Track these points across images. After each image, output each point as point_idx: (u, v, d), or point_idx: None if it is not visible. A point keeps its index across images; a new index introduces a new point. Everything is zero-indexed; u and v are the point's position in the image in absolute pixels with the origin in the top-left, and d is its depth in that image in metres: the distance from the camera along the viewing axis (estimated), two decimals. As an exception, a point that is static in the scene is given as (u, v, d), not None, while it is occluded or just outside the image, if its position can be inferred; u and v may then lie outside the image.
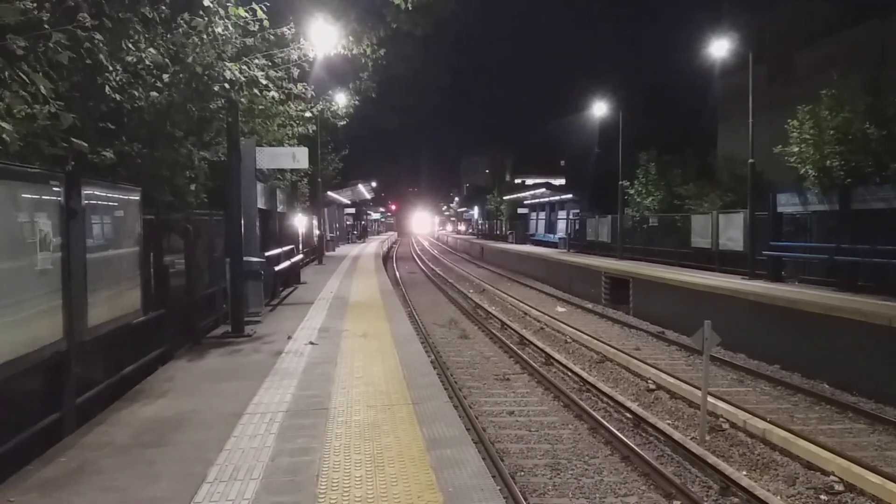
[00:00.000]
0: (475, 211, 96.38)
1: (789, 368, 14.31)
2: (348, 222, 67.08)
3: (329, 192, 40.69)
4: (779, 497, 7.95)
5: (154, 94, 8.61)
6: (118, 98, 8.03)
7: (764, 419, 10.34)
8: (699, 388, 10.78)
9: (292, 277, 20.26)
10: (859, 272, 16.75)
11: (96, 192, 7.31)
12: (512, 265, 42.88)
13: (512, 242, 57.53)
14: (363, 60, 12.28)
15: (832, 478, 8.45)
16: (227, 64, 9.25)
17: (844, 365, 13.03)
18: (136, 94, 8.41)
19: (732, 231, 22.76)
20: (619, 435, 9.80)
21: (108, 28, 7.18)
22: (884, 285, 15.79)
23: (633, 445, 9.37)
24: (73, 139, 6.52)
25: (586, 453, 9.51)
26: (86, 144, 6.68)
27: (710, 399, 10.68)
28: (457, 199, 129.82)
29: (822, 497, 8.13)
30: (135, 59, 8.23)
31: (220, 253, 12.62)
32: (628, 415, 11.16)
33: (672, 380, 12.81)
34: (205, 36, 9.02)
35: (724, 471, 8.50)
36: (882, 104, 17.07)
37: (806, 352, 14.10)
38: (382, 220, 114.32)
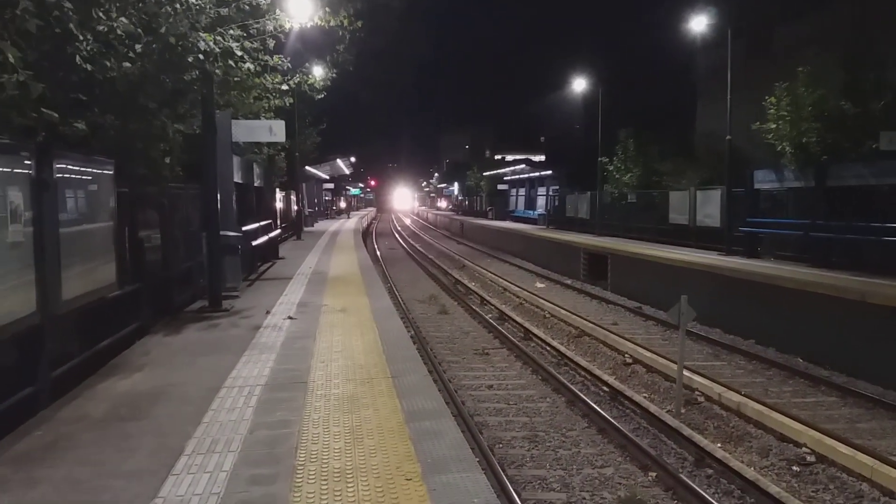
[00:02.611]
0: (455, 187, 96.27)
1: (764, 343, 14.51)
2: (327, 197, 66.69)
3: (307, 167, 40.39)
4: (752, 468, 8.08)
5: (126, 64, 8.41)
6: (89, 68, 7.85)
7: (739, 392, 10.49)
8: (675, 362, 10.91)
9: (270, 252, 20.13)
10: (833, 248, 16.98)
11: (68, 165, 7.18)
12: (492, 241, 42.94)
13: (492, 219, 57.57)
14: (340, 33, 12.11)
15: (804, 449, 8.60)
16: (202, 34, 9.07)
17: (818, 339, 13.23)
18: (108, 64, 8.21)
19: (710, 207, 22.93)
20: (597, 408, 9.90)
21: (78, -4, 7.00)
22: (857, 261, 16.02)
23: (609, 418, 9.47)
24: (43, 109, 6.39)
25: (564, 426, 9.61)
26: (56, 115, 6.55)
27: (685, 373, 10.81)
28: (437, 175, 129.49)
29: (795, 468, 8.28)
30: (106, 29, 8.03)
31: (197, 227, 12.49)
32: (605, 388, 11.27)
33: (649, 354, 12.95)
34: (178, 5, 8.81)
35: (699, 443, 8.63)
36: (858, 81, 17.20)
37: (780, 326, 14.29)
38: (361, 195, 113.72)
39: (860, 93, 17.08)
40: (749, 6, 30.36)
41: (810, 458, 8.40)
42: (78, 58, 7.63)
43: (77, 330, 7.62)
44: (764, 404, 9.90)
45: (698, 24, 23.56)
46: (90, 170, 7.83)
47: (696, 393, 10.87)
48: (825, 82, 17.61)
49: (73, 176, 7.34)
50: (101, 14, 7.75)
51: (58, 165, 6.80)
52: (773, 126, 18.69)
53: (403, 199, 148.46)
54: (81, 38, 7.60)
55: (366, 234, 45.67)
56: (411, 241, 47.63)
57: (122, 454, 5.05)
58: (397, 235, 55.51)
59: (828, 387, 11.52)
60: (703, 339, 14.96)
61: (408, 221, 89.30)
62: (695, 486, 7.34)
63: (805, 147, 17.84)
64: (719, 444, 8.93)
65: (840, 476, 8.00)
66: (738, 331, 15.44)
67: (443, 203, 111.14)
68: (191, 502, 4.24)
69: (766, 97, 19.12)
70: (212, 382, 6.94)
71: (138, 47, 8.66)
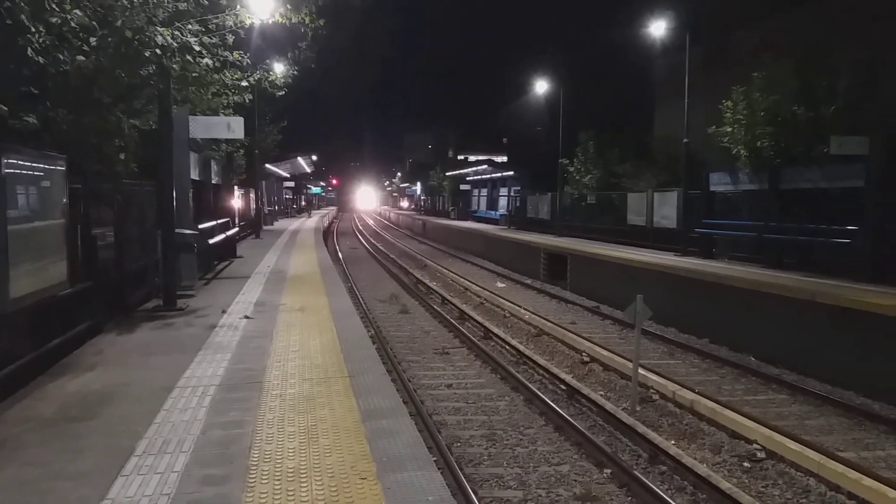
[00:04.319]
0: (418, 187, 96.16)
1: (718, 342, 14.79)
2: (287, 196, 66.10)
3: (267, 165, 39.97)
4: (705, 465, 8.24)
5: (80, 58, 8.23)
6: (41, 61, 7.66)
7: (692, 390, 10.67)
8: (631, 361, 11.06)
9: (228, 251, 19.87)
10: (786, 249, 17.39)
11: (18, 160, 7.00)
12: (454, 241, 43.02)
13: (454, 219, 57.66)
14: (302, 30, 12.02)
15: (755, 446, 8.80)
16: (159, 29, 8.92)
17: (769, 339, 13.53)
18: (62, 57, 8.03)
19: (667, 209, 23.31)
20: (554, 406, 9.99)
21: (30, -14, 6.84)
22: (808, 262, 16.44)
23: (566, 416, 9.57)
24: (-9, 103, 6.23)
25: (521, 424, 9.68)
26: (6, 108, 6.39)
27: (641, 371, 10.97)
28: (400, 174, 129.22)
29: (746, 464, 8.47)
30: (59, 21, 7.84)
31: (152, 225, 12.28)
32: (563, 386, 11.38)
33: (605, 352, 13.11)
34: (134, -2, 8.68)
35: (654, 440, 8.77)
36: (810, 87, 17.63)
37: (733, 326, 14.59)
38: (323, 194, 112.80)
39: (812, 98, 17.51)
40: (707, 12, 30.94)
41: (761, 455, 8.61)
42: (29, 50, 7.44)
43: (26, 328, 7.43)
44: (717, 402, 10.10)
45: (657, 28, 23.91)
46: (41, 165, 7.64)
47: (652, 391, 11.05)
48: (779, 88, 18.01)
49: (23, 171, 7.16)
50: (54, 6, 7.57)
51: (7, 161, 6.62)
52: (729, 130, 19.07)
53: (366, 199, 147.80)
54: (33, 29, 7.42)
55: (327, 234, 45.35)
56: (373, 241, 47.47)
57: (71, 455, 4.95)
58: (359, 235, 55.25)
59: (778, 385, 11.80)
60: (659, 338, 15.20)
61: (370, 221, 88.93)
62: (649, 483, 7.45)
63: (759, 150, 18.24)
64: (673, 442, 9.09)
65: (789, 471, 8.20)
66: (692, 330, 15.71)
67: (405, 203, 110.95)
68: (140, 503, 4.18)
69: (723, 101, 19.49)
70: (165, 382, 6.84)
71: (93, 41, 8.47)
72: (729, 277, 15.31)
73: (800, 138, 17.63)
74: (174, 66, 9.78)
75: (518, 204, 42.25)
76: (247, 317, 10.61)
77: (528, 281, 25.76)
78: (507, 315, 18.11)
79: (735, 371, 12.69)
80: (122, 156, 9.74)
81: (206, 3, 10.07)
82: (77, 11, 7.96)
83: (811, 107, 17.41)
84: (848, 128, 16.37)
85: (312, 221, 50.41)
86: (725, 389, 11.53)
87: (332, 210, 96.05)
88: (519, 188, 44.09)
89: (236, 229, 23.35)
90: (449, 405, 10.55)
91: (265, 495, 4.28)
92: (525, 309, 18.17)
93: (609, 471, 8.02)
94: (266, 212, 39.30)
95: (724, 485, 7.43)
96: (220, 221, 18.68)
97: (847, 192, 15.82)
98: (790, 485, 7.91)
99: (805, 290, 13.08)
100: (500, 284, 24.86)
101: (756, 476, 8.19)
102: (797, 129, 17.63)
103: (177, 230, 11.61)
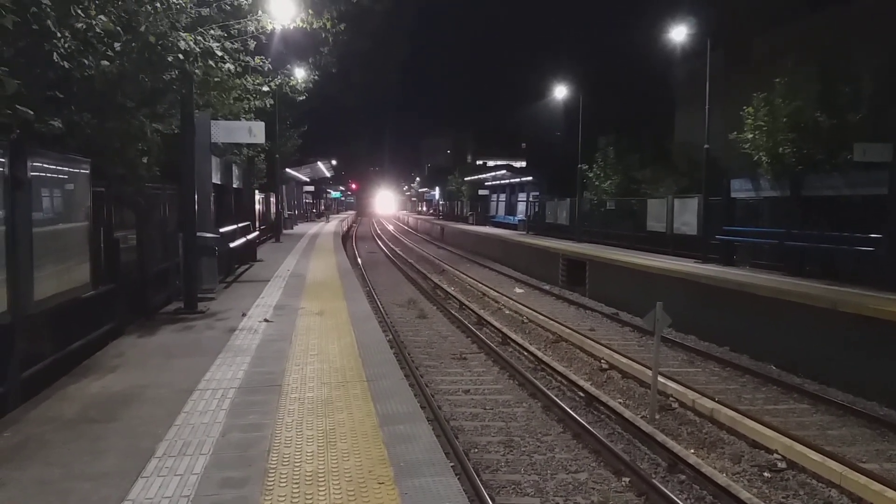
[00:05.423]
0: (436, 192, 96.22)
1: (738, 350, 14.65)
2: (307, 200, 66.46)
3: (287, 169, 40.21)
4: (724, 474, 8.16)
5: (105, 62, 8.33)
6: (67, 66, 7.77)
7: (712, 399, 10.58)
8: (650, 368, 10.98)
9: (248, 254, 20.02)
10: (807, 257, 17.20)
11: (43, 163, 7.10)
12: (472, 246, 43.00)
13: (472, 224, 57.64)
14: (323, 35, 12.09)
15: (776, 456, 8.70)
16: (182, 34, 9.01)
17: (791, 347, 13.38)
18: (86, 62, 8.14)
19: (687, 215, 23.14)
20: (572, 413, 9.94)
21: (56, -8, 6.94)
22: (830, 270, 16.25)
23: (584, 423, 9.52)
24: (18, 106, 6.32)
25: (539, 431, 9.64)
26: (32, 112, 6.48)
27: (660, 379, 10.89)
28: (418, 179, 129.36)
29: (766, 474, 8.37)
30: (84, 26, 7.95)
31: (174, 228, 12.40)
32: (581, 393, 11.33)
33: (624, 360, 13.03)
34: (158, 4, 8.76)
35: (673, 448, 8.69)
36: (834, 93, 17.45)
37: (754, 334, 14.44)
38: (342, 198, 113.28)
39: (836, 105, 17.33)
40: (728, 16, 30.72)
41: (781, 465, 8.51)
42: (55, 55, 7.54)
43: (49, 330, 7.53)
44: (737, 411, 10.00)
45: (678, 33, 23.82)
46: (66, 168, 7.76)
47: (671, 399, 10.96)
48: (802, 93, 17.83)
49: (48, 174, 7.26)
50: (79, 11, 7.68)
51: (32, 164, 6.72)
52: (750, 136, 18.91)
53: (385, 203, 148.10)
54: (59, 35, 7.52)
55: (346, 238, 45.53)
56: (392, 246, 47.57)
57: (92, 456, 5.00)
58: (378, 239, 55.41)
59: (800, 394, 11.66)
60: (679, 346, 15.08)
61: (389, 226, 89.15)
62: (667, 492, 7.39)
63: (781, 157, 18.06)
64: (692, 450, 9.01)
65: (810, 482, 8.10)
66: (712, 338, 15.57)
67: (424, 208, 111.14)
68: (160, 505, 4.21)
69: (744, 107, 19.34)
70: (185, 385, 6.90)
71: (117, 46, 8.59)
72: (750, 285, 15.17)
73: (822, 145, 17.45)
74: (196, 70, 9.88)
75: (537, 209, 42.16)
76: (266, 320, 10.67)
77: (547, 287, 25.67)
78: (526, 321, 18.06)
79: (756, 380, 12.56)
80: (144, 159, 9.84)
81: (229, 8, 10.16)
82: (102, 17, 8.07)
83: (834, 113, 17.23)
84: (870, 134, 16.18)
85: (331, 226, 50.59)
86: (746, 398, 11.42)
87: (350, 214, 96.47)
88: (538, 193, 44.01)
89: (257, 233, 23.52)
90: (466, 411, 10.54)
91: (284, 498, 4.29)
92: (543, 315, 18.11)
93: (627, 479, 7.96)
94: (286, 216, 39.53)
95: (745, 495, 7.36)
96: (240, 225, 18.82)
97: (870, 199, 15.64)
98: (811, 496, 7.81)
99: (827, 299, 12.93)
100: (518, 290, 24.81)
101: (776, 486, 8.09)
102: (820, 135, 17.45)
103: (198, 234, 11.71)
